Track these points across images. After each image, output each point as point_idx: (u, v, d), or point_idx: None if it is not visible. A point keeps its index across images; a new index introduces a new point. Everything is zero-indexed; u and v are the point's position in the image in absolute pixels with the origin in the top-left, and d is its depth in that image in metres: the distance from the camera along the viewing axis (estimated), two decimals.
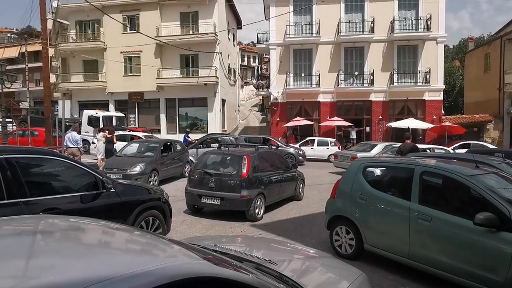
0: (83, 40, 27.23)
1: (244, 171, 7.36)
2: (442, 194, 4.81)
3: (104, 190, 4.35)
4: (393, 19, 23.39)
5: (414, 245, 4.44)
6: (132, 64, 26.60)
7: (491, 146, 17.11)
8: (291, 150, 17.71)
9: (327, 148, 19.76)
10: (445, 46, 26.05)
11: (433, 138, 23.18)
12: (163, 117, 26.82)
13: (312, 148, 19.61)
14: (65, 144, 11.83)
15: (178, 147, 13.32)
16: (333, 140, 20.60)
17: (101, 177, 4.40)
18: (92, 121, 19.95)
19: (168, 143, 12.96)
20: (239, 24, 33.85)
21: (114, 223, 2.05)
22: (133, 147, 12.44)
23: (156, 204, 5.16)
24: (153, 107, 26.88)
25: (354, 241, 5.20)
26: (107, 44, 26.41)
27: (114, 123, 20.83)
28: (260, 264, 2.19)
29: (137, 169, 10.46)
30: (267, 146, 15.36)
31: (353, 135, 23.72)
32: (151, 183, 10.59)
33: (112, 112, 22.57)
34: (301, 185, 9.77)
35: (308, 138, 21.17)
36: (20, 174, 3.64)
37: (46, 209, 3.71)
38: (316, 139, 20.69)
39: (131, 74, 26.70)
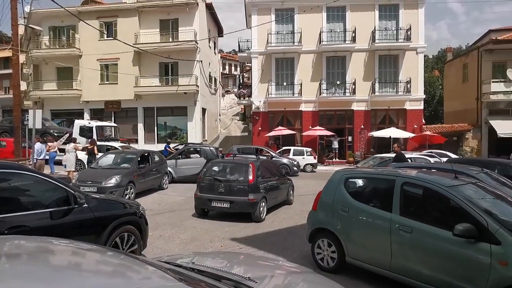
0: (57, 47, 26.72)
1: (251, 177, 8.54)
2: (423, 205, 4.92)
3: (76, 206, 4.24)
4: (374, 29, 24.07)
5: (396, 257, 4.52)
6: (109, 72, 26.24)
7: (453, 156, 17.82)
8: (285, 160, 18.10)
9: (303, 158, 19.99)
10: (425, 56, 26.98)
11: (414, 147, 23.77)
12: (141, 126, 26.49)
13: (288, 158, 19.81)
14: (36, 156, 11.50)
15: (156, 158, 13.17)
16: (309, 149, 20.94)
17: (72, 192, 4.30)
18: (85, 132, 19.42)
19: (146, 154, 12.81)
20: (220, 32, 34.01)
21: (86, 244, 2.00)
22: (109, 158, 12.21)
23: (132, 219, 5.06)
24: (130, 116, 26.52)
25: (336, 254, 5.24)
26: (82, 51, 26.00)
27: (107, 133, 20.43)
28: (239, 282, 2.18)
29: (112, 181, 10.26)
30: (265, 157, 15.67)
31: (335, 144, 24.08)
32: (127, 196, 10.40)
33: (105, 122, 22.06)
34: (291, 191, 10.99)
35: (284, 148, 21.44)
36: None
37: (12, 227, 3.59)
38: (292, 148, 20.97)
39: (107, 82, 26.32)
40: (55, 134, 19.40)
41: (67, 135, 19.83)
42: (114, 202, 5.25)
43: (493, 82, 24.24)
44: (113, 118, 26.30)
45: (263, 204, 8.76)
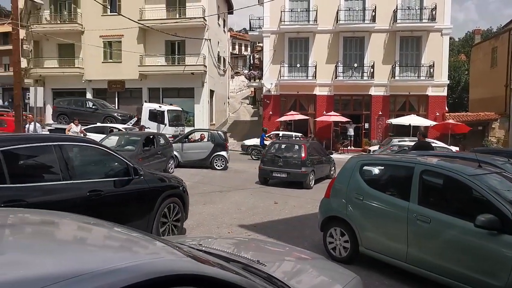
0: (58, 22, 26.77)
1: (303, 155, 11.37)
2: (443, 194, 4.90)
3: (136, 176, 5.04)
4: (396, 8, 23.55)
5: (412, 248, 4.52)
6: (112, 49, 26.29)
7: (441, 144, 16.46)
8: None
9: None
10: (450, 38, 26.37)
11: (435, 136, 23.45)
12: None
13: None
14: None
15: (162, 141, 13.28)
16: (299, 134, 21.29)
17: (132, 165, 5.10)
18: (157, 116, 19.42)
19: (151, 137, 12.92)
20: (230, 9, 33.67)
21: (92, 219, 2.04)
22: (112, 140, 12.33)
23: (176, 192, 5.91)
24: (134, 97, 26.64)
25: (349, 243, 5.26)
26: (84, 26, 26.03)
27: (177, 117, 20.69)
28: (247, 264, 2.21)
29: None
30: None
31: (351, 131, 23.91)
32: None
33: (172, 106, 22.11)
34: (333, 168, 13.59)
35: (273, 133, 21.88)
36: (71, 159, 4.49)
37: (91, 190, 4.41)
38: (281, 133, 21.51)
39: (111, 61, 26.42)
40: (119, 118, 19.52)
41: (135, 119, 19.82)
42: (162, 176, 6.16)
43: None
44: (116, 98, 26.49)
45: (312, 176, 11.54)
